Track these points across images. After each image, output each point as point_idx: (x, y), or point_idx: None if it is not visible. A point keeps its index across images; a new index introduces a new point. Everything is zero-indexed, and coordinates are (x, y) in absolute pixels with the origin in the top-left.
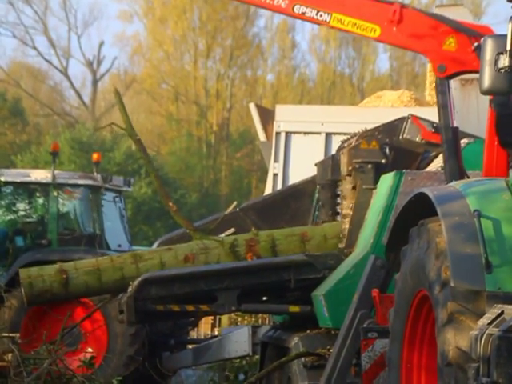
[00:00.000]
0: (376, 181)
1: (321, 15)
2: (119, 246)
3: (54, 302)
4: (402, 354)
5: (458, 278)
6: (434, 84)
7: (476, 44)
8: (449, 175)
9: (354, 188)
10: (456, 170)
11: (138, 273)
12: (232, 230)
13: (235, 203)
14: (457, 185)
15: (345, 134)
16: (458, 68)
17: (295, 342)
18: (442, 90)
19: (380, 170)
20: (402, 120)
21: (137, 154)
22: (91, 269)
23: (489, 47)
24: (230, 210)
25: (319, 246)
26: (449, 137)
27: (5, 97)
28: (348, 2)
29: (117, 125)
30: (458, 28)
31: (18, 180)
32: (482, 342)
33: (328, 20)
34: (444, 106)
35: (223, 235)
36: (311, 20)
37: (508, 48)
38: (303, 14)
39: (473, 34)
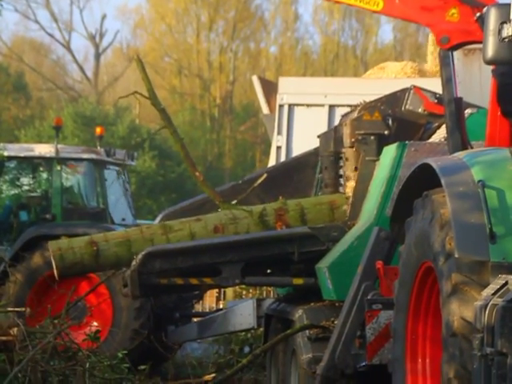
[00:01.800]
0: (379, 152)
1: None
2: (123, 219)
3: (83, 274)
4: (407, 325)
5: (462, 249)
6: (435, 54)
7: (478, 14)
8: (452, 147)
9: (356, 160)
10: (459, 141)
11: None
12: (234, 202)
13: (265, 175)
14: (461, 155)
15: (348, 105)
16: (461, 39)
17: (299, 314)
18: (446, 62)
19: (383, 142)
20: (404, 91)
21: (140, 127)
22: (121, 240)
23: (492, 17)
24: (259, 181)
25: None
26: (452, 109)
27: (8, 71)
28: None
29: (140, 93)
30: None
31: (22, 155)
32: (487, 312)
33: None
34: (448, 78)
35: None
36: None
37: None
38: None
39: (475, 5)
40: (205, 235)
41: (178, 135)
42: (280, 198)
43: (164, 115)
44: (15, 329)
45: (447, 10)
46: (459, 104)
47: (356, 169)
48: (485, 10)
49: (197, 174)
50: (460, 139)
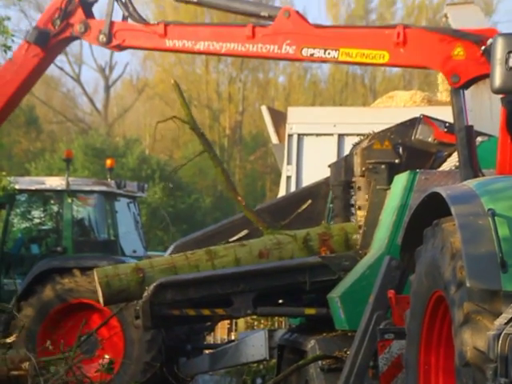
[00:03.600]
0: (390, 181)
1: (329, 53)
2: (134, 251)
3: (129, 300)
4: (419, 355)
5: (473, 278)
6: (445, 82)
7: (484, 48)
8: (464, 175)
9: (367, 189)
10: (471, 169)
11: (214, 269)
12: (245, 232)
13: (310, 201)
14: (470, 183)
15: (357, 134)
16: (471, 75)
17: (312, 344)
18: (456, 92)
19: (393, 170)
20: (413, 121)
21: (150, 159)
22: (167, 266)
23: (499, 46)
24: (304, 207)
25: None
26: (463, 137)
27: (19, 105)
28: (353, 35)
29: (179, 118)
30: (463, 36)
31: (33, 188)
32: (500, 341)
33: (336, 56)
34: (459, 108)
35: (236, 237)
36: (320, 59)
37: None
38: (312, 55)
39: (479, 39)
40: (250, 261)
41: (219, 160)
42: (323, 222)
43: (203, 140)
44: (27, 363)
45: (452, 50)
46: (470, 132)
47: (366, 198)
48: (489, 42)
49: (239, 198)
50: (471, 167)
